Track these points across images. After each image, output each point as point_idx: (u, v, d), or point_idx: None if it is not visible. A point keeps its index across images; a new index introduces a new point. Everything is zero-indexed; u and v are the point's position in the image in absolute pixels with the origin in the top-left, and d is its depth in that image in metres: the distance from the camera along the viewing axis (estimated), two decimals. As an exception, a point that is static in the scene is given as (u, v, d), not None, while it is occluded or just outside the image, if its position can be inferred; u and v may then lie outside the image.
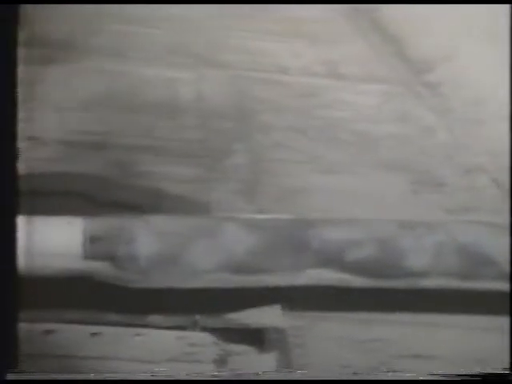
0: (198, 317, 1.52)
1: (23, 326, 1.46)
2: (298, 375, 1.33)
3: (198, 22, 3.16)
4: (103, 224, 1.51)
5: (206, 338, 1.49)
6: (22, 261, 1.45)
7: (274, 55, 2.92)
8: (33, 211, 1.50)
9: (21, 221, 1.46)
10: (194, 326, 1.51)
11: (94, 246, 1.48)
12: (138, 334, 1.48)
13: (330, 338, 1.51)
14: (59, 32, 2.80)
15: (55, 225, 1.50)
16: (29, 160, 1.53)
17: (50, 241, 1.48)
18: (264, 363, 1.43)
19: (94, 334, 1.47)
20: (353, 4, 3.43)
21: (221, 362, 1.43)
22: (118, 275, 1.48)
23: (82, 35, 2.86)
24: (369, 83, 2.77)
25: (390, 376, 1.33)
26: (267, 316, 1.51)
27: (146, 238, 1.48)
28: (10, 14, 1.11)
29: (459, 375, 1.30)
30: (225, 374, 1.35)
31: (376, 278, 1.50)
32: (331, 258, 1.50)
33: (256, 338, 1.48)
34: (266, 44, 3.01)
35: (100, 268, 1.48)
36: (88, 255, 1.47)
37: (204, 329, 1.51)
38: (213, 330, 1.50)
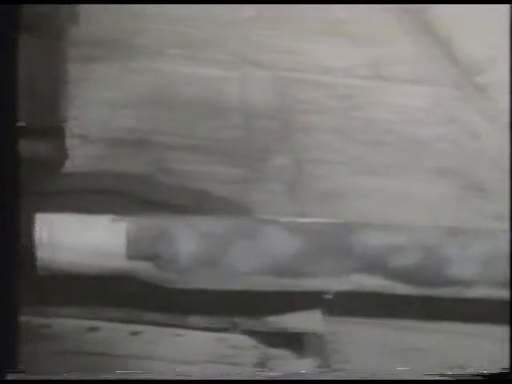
0: (237, 319, 1.52)
1: (68, 323, 1.47)
2: (333, 375, 1.33)
3: (242, 22, 3.16)
4: (146, 224, 1.51)
5: (245, 340, 1.48)
6: (65, 258, 1.47)
7: (317, 56, 2.91)
8: (78, 209, 1.51)
9: (65, 218, 1.48)
10: (233, 329, 1.51)
11: (136, 245, 1.48)
12: (177, 335, 1.48)
13: (370, 345, 1.49)
14: (106, 31, 2.82)
15: (99, 224, 1.51)
16: (76, 158, 1.54)
17: (94, 239, 1.49)
18: (302, 368, 1.41)
19: (134, 333, 1.48)
20: (401, 4, 3.39)
21: (260, 365, 1.42)
22: (159, 275, 1.48)
23: (128, 34, 2.88)
24: (415, 85, 2.74)
25: (390, 376, 1.32)
26: (307, 320, 1.50)
27: (188, 238, 1.48)
28: (11, 14, 1.11)
29: (459, 375, 1.29)
30: (264, 374, 1.34)
31: (420, 285, 1.48)
32: (374, 264, 1.47)
33: (295, 342, 1.47)
34: (310, 44, 3.00)
35: (142, 268, 1.48)
36: (130, 255, 1.48)
37: (244, 331, 1.50)
38: (252, 333, 1.49)
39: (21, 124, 1.18)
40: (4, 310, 1.14)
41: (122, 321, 1.51)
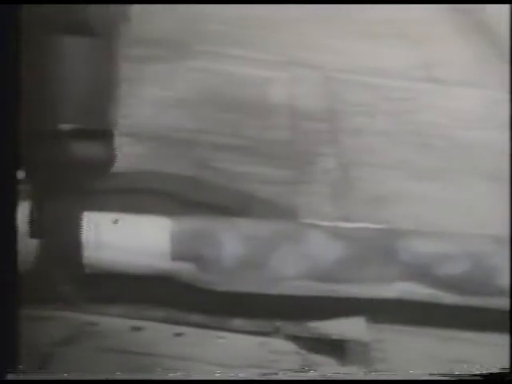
0: (280, 323, 1.50)
1: (113, 321, 1.48)
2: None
3: (292, 22, 3.15)
4: (190, 225, 1.51)
5: (288, 345, 1.47)
6: (111, 257, 1.48)
7: (368, 57, 2.87)
8: (124, 209, 1.52)
9: (111, 218, 1.49)
10: (276, 333, 1.49)
11: (180, 246, 1.48)
12: (220, 337, 1.48)
13: (414, 354, 1.46)
14: (159, 31, 2.84)
15: (144, 223, 1.52)
16: (124, 156, 1.55)
17: (139, 239, 1.50)
18: (346, 376, 1.39)
19: (177, 334, 1.48)
20: (453, 4, 3.33)
21: (302, 371, 1.40)
22: (202, 277, 1.48)
23: (181, 34, 2.89)
24: (467, 87, 2.68)
25: (390, 376, 1.31)
26: (350, 327, 1.48)
27: (232, 240, 1.47)
28: (11, 14, 1.11)
29: (459, 375, 1.27)
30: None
31: (467, 295, 1.45)
32: (420, 272, 1.45)
33: (338, 349, 1.45)
34: (361, 45, 2.97)
35: (185, 269, 1.48)
36: (174, 255, 1.48)
37: (286, 336, 1.49)
38: (295, 338, 1.48)
39: (70, 126, 1.18)
40: (4, 310, 1.14)
41: (166, 321, 1.51)
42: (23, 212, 1.34)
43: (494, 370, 1.28)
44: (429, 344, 1.48)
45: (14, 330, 1.16)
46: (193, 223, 1.51)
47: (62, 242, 1.24)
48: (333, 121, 2.40)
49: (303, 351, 1.45)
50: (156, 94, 2.40)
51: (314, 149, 2.20)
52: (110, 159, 1.25)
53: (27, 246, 1.31)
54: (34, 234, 1.21)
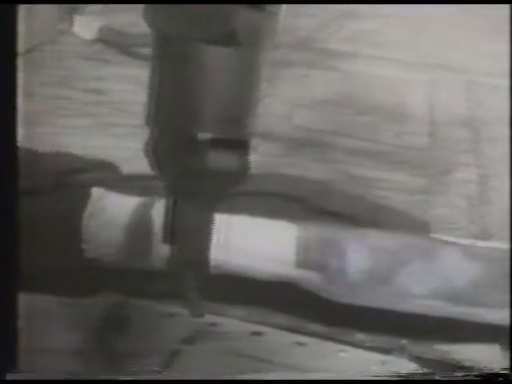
0: (405, 342, 1.44)
1: (234, 324, 1.48)
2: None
3: (433, 21, 3.03)
4: (317, 233, 1.47)
5: (411, 366, 1.40)
6: (237, 259, 1.47)
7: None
8: (251, 212, 1.51)
9: (240, 220, 1.48)
10: (400, 352, 1.43)
11: (305, 254, 1.45)
12: (341, 351, 1.43)
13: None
14: (299, 32, 2.82)
15: (271, 228, 1.50)
16: (257, 157, 1.52)
17: (265, 243, 1.48)
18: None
19: (298, 343, 1.45)
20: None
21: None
22: (326, 287, 1.44)
23: (321, 34, 2.86)
24: None
25: (390, 376, 1.25)
26: (483, 354, 1.39)
27: (359, 252, 1.42)
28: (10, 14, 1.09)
29: (459, 375, 1.23)
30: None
31: None
32: None
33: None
34: (504, 47, 2.80)
35: (309, 277, 1.45)
36: (299, 263, 1.45)
37: (411, 356, 1.42)
38: (420, 360, 1.41)
39: (208, 135, 1.19)
40: (4, 310, 1.12)
41: (287, 329, 1.48)
42: (158, 216, 1.36)
43: (494, 370, 1.24)
44: None
45: (13, 330, 1.14)
46: (320, 231, 1.47)
47: (193, 243, 1.25)
48: (475, 128, 2.29)
49: (429, 375, 1.38)
50: (290, 93, 2.38)
51: (453, 157, 2.10)
52: (245, 169, 1.25)
53: (161, 246, 1.33)
54: (166, 238, 1.22)
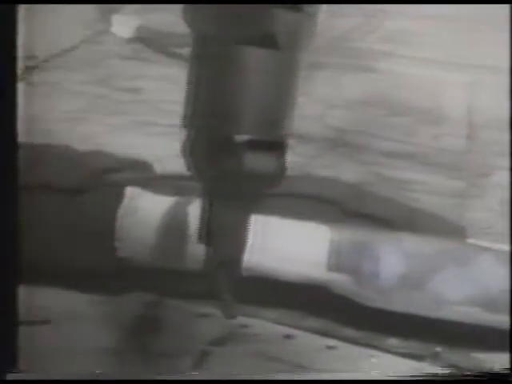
0: (439, 349, 1.42)
1: (265, 326, 1.47)
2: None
3: (470, 21, 2.98)
4: (350, 236, 1.46)
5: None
6: (269, 261, 1.46)
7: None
8: (282, 213, 1.50)
9: (273, 222, 1.47)
10: (433, 359, 1.41)
11: (337, 257, 1.43)
12: (372, 356, 1.42)
13: None
14: (333, 32, 2.80)
15: (304, 230, 1.49)
16: (292, 158, 1.51)
17: (297, 245, 1.47)
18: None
19: (329, 348, 1.44)
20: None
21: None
22: (358, 291, 1.42)
23: (356, 34, 2.83)
24: None
25: (390, 376, 1.24)
26: (521, 364, 1.36)
27: (392, 256, 1.41)
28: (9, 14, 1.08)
29: (459, 375, 1.23)
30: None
31: None
32: None
33: (503, 385, 1.34)
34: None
35: (341, 281, 1.43)
36: (331, 266, 1.44)
37: (444, 364, 1.40)
38: (454, 367, 1.39)
39: (245, 136, 1.19)
40: (4, 310, 1.12)
41: (318, 332, 1.47)
42: (192, 216, 1.36)
43: (494, 370, 1.24)
44: None
45: (13, 330, 1.14)
46: (352, 234, 1.45)
47: (228, 244, 1.26)
48: (512, 131, 2.24)
49: (462, 383, 1.36)
50: (324, 93, 2.36)
51: (491, 160, 2.06)
52: (282, 171, 1.25)
53: (194, 247, 1.33)
54: (202, 239, 1.21)
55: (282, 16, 1.12)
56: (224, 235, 1.22)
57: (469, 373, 1.23)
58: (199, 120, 1.17)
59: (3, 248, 1.12)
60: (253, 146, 1.15)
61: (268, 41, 1.11)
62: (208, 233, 1.22)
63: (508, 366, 1.29)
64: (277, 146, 1.19)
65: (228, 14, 1.11)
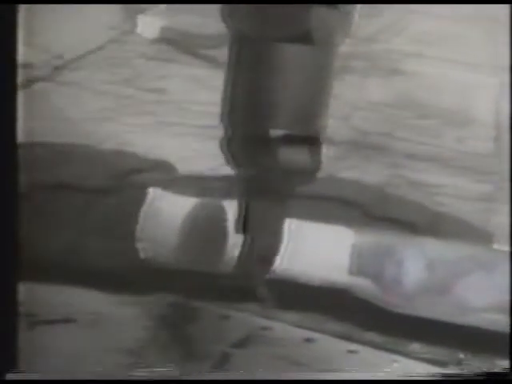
0: (462, 355, 1.40)
1: (287, 329, 1.46)
2: None
3: (502, 22, 2.94)
4: (373, 239, 1.44)
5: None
6: (290, 264, 1.45)
7: None
8: (306, 216, 1.49)
9: (294, 223, 1.46)
10: (456, 365, 1.39)
11: (360, 261, 1.42)
12: (394, 361, 1.40)
13: None
14: (361, 32, 2.77)
15: (327, 233, 1.48)
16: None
17: (320, 249, 1.46)
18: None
19: (351, 352, 1.42)
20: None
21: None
22: (380, 296, 1.41)
23: (384, 35, 2.81)
24: None
25: (389, 376, 1.25)
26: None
27: (416, 262, 1.39)
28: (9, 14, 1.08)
29: (459, 375, 1.23)
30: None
31: None
32: None
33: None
34: None
35: (363, 285, 1.42)
36: (353, 270, 1.42)
37: (469, 370, 1.38)
38: (480, 374, 1.36)
39: (281, 131, 1.20)
40: (3, 310, 1.12)
41: (340, 336, 1.46)
42: (232, 210, 1.36)
43: (494, 370, 1.24)
44: None
45: (13, 330, 1.14)
46: (375, 238, 1.44)
47: (264, 238, 1.28)
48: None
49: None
50: (351, 95, 2.34)
51: (517, 164, 2.03)
52: (316, 166, 1.26)
53: (232, 244, 1.33)
54: (239, 231, 1.25)
55: (319, 13, 1.13)
56: (260, 229, 1.23)
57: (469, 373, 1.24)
58: (236, 117, 1.19)
59: (3, 248, 1.13)
60: (288, 140, 1.17)
61: (304, 38, 1.13)
62: (245, 226, 1.24)
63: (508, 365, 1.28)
64: (312, 142, 1.21)
65: (265, 14, 1.13)
